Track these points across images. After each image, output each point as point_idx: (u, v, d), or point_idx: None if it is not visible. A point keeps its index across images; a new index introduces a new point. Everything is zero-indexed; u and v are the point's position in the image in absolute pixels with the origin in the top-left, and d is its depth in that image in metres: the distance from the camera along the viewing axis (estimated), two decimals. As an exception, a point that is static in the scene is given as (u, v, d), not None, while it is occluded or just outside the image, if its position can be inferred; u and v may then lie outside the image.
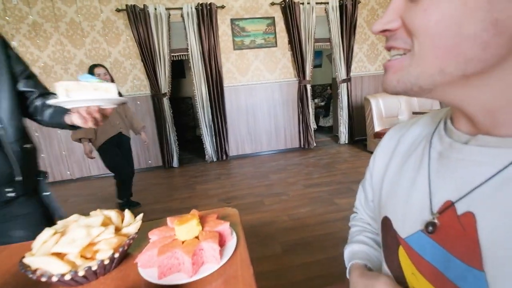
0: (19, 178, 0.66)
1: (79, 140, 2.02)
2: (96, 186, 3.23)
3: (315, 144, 4.05)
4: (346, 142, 4.13)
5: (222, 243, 0.46)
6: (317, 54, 6.40)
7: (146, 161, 3.67)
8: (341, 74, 3.89)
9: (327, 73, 6.34)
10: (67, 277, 0.36)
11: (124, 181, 2.29)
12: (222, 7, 3.44)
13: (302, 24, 3.62)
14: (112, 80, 2.15)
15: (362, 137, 4.05)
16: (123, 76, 3.43)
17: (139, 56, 3.35)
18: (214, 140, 3.71)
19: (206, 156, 3.75)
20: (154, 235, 0.46)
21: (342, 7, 3.69)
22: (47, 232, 0.41)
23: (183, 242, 0.43)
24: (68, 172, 3.47)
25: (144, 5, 3.18)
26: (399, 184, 0.37)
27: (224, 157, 3.76)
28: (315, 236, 1.77)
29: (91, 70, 2.07)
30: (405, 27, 0.27)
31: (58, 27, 3.18)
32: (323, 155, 3.66)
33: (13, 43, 3.10)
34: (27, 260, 0.37)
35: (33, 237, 0.47)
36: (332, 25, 3.72)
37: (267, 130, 3.94)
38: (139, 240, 0.51)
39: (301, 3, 3.57)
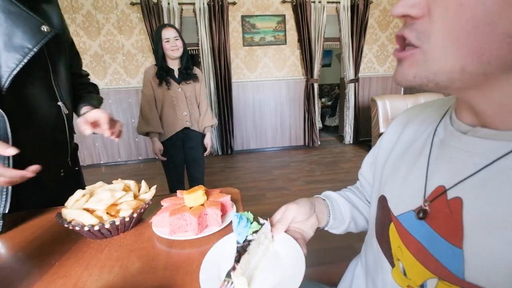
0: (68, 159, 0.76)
1: (146, 134, 1.56)
2: (106, 173, 3.36)
3: (319, 143, 4.09)
4: (351, 142, 4.16)
5: (223, 212, 0.53)
6: (327, 53, 6.40)
7: (151, 153, 3.80)
8: (349, 74, 3.91)
9: (336, 73, 6.34)
10: (96, 228, 0.43)
11: (173, 191, 1.67)
12: (234, 3, 3.50)
13: (312, 23, 3.65)
14: (185, 46, 1.54)
15: (367, 138, 4.07)
16: (135, 68, 3.54)
17: (151, 49, 3.44)
18: (220, 134, 3.79)
19: (212, 149, 3.85)
20: (166, 203, 0.54)
21: (353, 7, 3.70)
22: (78, 193, 0.49)
23: (190, 208, 0.50)
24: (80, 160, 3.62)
25: (158, -1, 3.27)
26: (400, 167, 0.40)
27: (229, 151, 3.85)
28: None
29: (158, 33, 1.49)
30: (430, 17, 0.25)
31: (75, 19, 3.30)
32: (327, 153, 3.71)
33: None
34: (64, 212, 0.45)
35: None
36: (343, 24, 3.74)
37: (272, 127, 4.00)
38: (152, 208, 0.59)
39: (312, 2, 3.59)
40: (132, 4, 3.31)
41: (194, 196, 0.50)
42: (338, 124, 4.94)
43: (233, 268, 0.36)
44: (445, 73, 0.25)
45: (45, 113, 0.63)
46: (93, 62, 3.43)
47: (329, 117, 5.56)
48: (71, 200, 0.48)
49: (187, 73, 1.56)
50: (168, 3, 3.28)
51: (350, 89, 3.97)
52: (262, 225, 0.43)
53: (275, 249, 0.44)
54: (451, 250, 0.29)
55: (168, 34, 1.47)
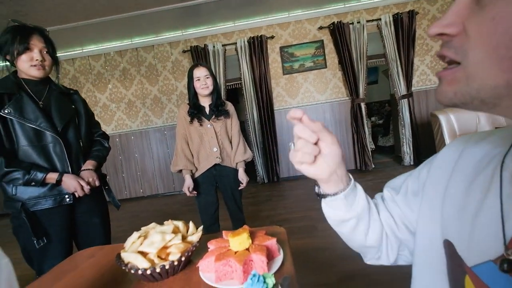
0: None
1: (180, 171, 1.59)
2: (163, 203, 3.63)
3: (373, 166, 3.75)
4: (412, 163, 3.70)
5: (270, 257, 0.50)
6: (372, 70, 6.12)
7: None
8: (401, 89, 3.62)
9: (384, 89, 5.95)
10: (148, 272, 0.45)
11: (208, 230, 1.61)
12: (272, 37, 3.70)
13: (352, 44, 3.59)
14: (216, 83, 1.57)
15: (430, 157, 3.58)
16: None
17: (200, 88, 3.81)
18: (265, 162, 3.81)
19: (258, 178, 3.86)
20: (212, 245, 0.53)
21: (397, 21, 3.53)
22: (134, 235, 0.52)
23: (235, 253, 0.48)
24: (141, 190, 4.02)
25: (204, 44, 3.68)
26: (465, 206, 0.34)
27: (275, 178, 3.80)
28: (375, 268, 1.59)
29: (190, 72, 1.53)
30: (466, 34, 0.25)
31: (140, 70, 3.91)
32: (384, 177, 3.35)
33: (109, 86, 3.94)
34: (122, 254, 0.49)
35: (104, 223, 1.18)
36: (387, 40, 3.58)
37: (319, 151, 3.86)
38: (199, 249, 0.59)
39: (350, 23, 3.57)
40: (184, 51, 3.79)
41: (239, 240, 0.49)
42: (393, 144, 4.51)
43: None
44: (488, 88, 0.24)
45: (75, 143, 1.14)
46: (152, 104, 3.94)
47: (382, 137, 5.13)
48: (129, 241, 0.52)
49: (218, 110, 1.57)
50: (214, 46, 3.66)
51: (403, 105, 3.65)
52: None
53: None
54: None
55: (199, 73, 1.51)
